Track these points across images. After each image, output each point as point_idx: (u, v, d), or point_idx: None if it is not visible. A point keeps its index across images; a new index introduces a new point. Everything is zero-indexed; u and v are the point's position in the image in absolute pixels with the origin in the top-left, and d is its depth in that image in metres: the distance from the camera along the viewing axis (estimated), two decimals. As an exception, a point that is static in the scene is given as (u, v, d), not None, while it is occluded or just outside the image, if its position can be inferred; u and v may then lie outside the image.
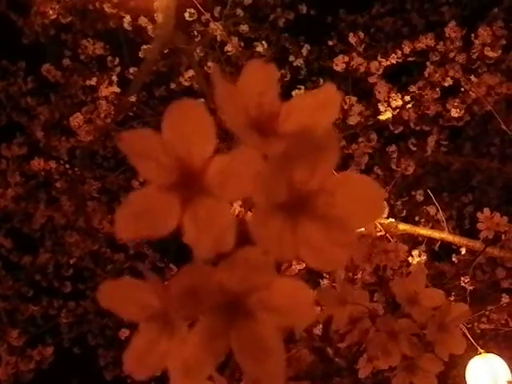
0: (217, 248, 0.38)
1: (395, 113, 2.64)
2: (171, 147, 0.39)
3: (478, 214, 1.91)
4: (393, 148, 3.04)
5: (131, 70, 3.02)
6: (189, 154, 0.39)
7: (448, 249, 2.76)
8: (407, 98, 2.71)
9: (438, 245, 2.63)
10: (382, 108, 2.62)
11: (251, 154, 0.38)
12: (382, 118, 2.61)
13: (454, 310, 0.78)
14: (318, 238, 0.38)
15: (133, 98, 2.79)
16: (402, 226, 2.44)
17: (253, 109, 0.41)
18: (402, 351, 0.77)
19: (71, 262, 3.23)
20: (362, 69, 2.76)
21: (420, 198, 3.14)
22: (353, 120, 2.79)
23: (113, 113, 2.71)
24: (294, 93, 3.07)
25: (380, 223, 2.26)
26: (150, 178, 0.40)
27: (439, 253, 2.86)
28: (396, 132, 3.04)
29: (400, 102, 2.65)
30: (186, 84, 3.18)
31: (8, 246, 3.45)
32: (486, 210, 1.93)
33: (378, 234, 2.25)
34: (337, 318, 0.79)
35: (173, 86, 3.25)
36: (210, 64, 3.17)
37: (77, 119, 2.67)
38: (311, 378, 0.78)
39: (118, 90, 2.81)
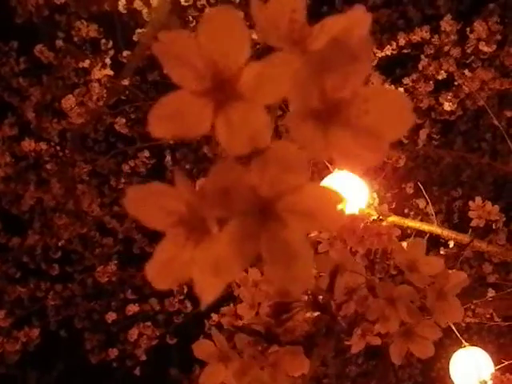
0: (251, 145, 0.38)
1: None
2: (206, 52, 0.40)
3: (470, 203, 1.91)
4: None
5: (125, 53, 3.00)
6: (224, 59, 0.40)
7: (436, 242, 2.77)
8: (401, 90, 2.71)
9: (426, 237, 2.64)
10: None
11: (287, 58, 0.39)
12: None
13: (453, 278, 0.79)
14: (350, 142, 0.38)
15: (126, 82, 2.77)
16: (392, 218, 2.44)
17: (285, 25, 0.42)
18: (401, 317, 0.77)
19: (59, 244, 3.22)
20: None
21: (410, 190, 3.15)
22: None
23: (105, 96, 2.69)
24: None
25: (374, 207, 2.27)
26: (183, 82, 0.40)
27: (427, 246, 2.86)
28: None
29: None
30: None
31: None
32: (478, 199, 1.93)
33: (372, 217, 2.27)
34: (336, 284, 0.79)
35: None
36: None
37: (69, 101, 2.65)
38: (310, 338, 0.78)
39: (111, 72, 2.80)
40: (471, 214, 1.89)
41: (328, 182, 2.22)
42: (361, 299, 0.78)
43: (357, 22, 0.41)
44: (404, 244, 2.36)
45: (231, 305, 0.89)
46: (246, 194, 0.38)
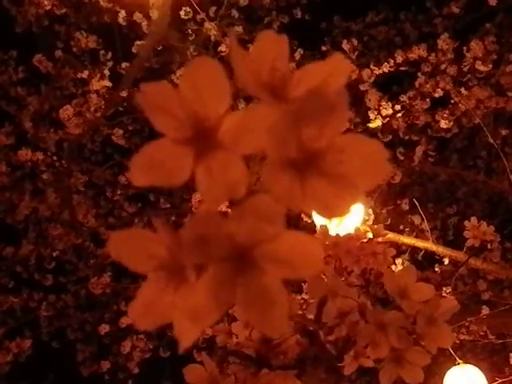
0: (229, 195, 0.39)
1: (385, 121, 2.65)
2: (187, 102, 0.41)
3: (466, 223, 1.92)
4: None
5: (123, 65, 3.01)
6: (204, 109, 0.41)
7: (431, 258, 2.77)
8: (397, 107, 2.72)
9: (421, 254, 2.65)
10: (372, 116, 2.63)
11: (265, 109, 0.40)
12: (371, 125, 2.62)
13: (443, 304, 0.79)
14: (325, 191, 0.39)
15: (124, 93, 2.78)
16: (387, 234, 2.44)
17: (266, 73, 0.42)
18: (391, 343, 0.77)
19: (54, 254, 3.21)
20: (354, 76, 2.78)
21: (405, 207, 3.16)
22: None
23: (103, 107, 2.70)
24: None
25: (369, 227, 2.27)
26: (165, 130, 0.41)
27: (422, 262, 2.88)
28: (385, 140, 3.06)
29: (390, 111, 2.67)
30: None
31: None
32: (473, 219, 1.94)
33: (367, 237, 2.26)
34: (326, 311, 0.79)
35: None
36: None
37: (66, 111, 2.66)
38: (301, 362, 0.78)
39: (109, 84, 2.80)
40: (466, 233, 1.89)
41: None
42: (352, 324, 0.79)
43: (336, 70, 0.42)
44: (399, 261, 2.37)
45: (225, 323, 0.89)
46: (223, 241, 0.39)
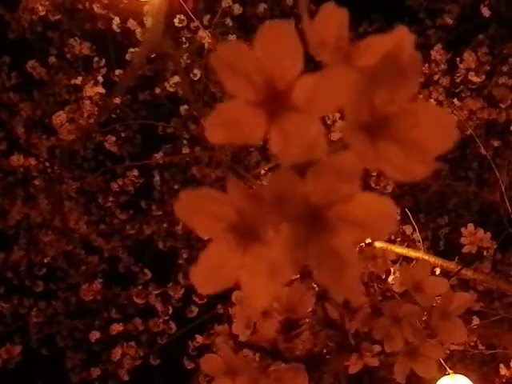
0: (306, 155, 0.39)
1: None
2: (262, 64, 0.41)
3: (462, 229, 1.93)
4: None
5: (117, 72, 3.01)
6: (278, 71, 0.41)
7: (422, 269, 2.77)
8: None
9: (412, 264, 2.65)
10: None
11: (344, 72, 0.40)
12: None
13: (457, 298, 0.79)
14: (398, 155, 0.40)
15: (117, 100, 2.78)
16: (379, 244, 2.45)
17: (333, 41, 0.44)
18: (405, 337, 0.77)
19: (45, 261, 3.20)
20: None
21: (397, 216, 3.16)
22: (335, 136, 2.79)
23: (96, 113, 2.69)
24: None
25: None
26: (237, 92, 0.41)
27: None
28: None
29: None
30: (171, 90, 3.18)
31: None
32: (470, 226, 1.95)
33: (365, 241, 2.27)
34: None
35: (157, 90, 3.24)
36: (195, 71, 3.17)
37: (59, 117, 2.65)
38: (315, 354, 0.78)
39: (102, 90, 2.80)
40: (463, 240, 1.90)
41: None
42: (365, 318, 0.78)
43: (403, 40, 0.42)
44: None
45: (225, 324, 0.89)
46: (299, 201, 0.39)
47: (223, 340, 0.82)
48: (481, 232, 1.90)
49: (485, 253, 2.20)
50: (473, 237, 1.90)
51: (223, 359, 0.75)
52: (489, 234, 1.93)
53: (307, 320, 0.78)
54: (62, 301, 3.54)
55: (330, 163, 0.39)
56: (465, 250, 1.97)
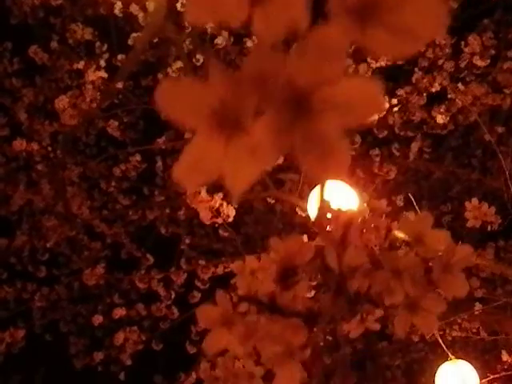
0: (291, 28, 0.37)
1: (381, 115, 2.65)
2: None
3: (466, 204, 1.92)
4: (376, 152, 3.05)
5: (119, 57, 2.99)
6: None
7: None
8: (394, 101, 2.72)
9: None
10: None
11: None
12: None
13: (459, 251, 0.78)
14: (386, 36, 0.38)
15: (119, 85, 2.77)
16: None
17: None
18: (406, 289, 0.76)
19: (47, 245, 3.20)
20: (351, 70, 2.77)
21: (400, 203, 3.15)
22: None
23: (98, 98, 2.68)
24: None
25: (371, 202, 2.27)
26: None
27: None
28: (380, 136, 3.05)
29: (387, 105, 2.66)
30: (174, 75, 3.16)
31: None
32: (474, 200, 1.94)
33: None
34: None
35: (160, 76, 3.23)
36: (198, 57, 3.16)
37: (62, 102, 2.64)
38: (314, 312, 0.77)
39: (105, 75, 2.79)
40: (467, 214, 1.89)
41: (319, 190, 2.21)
42: (365, 271, 0.77)
43: None
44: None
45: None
46: (282, 83, 0.38)
47: (221, 293, 0.80)
48: (485, 206, 1.89)
49: (489, 227, 2.19)
50: (477, 211, 1.89)
51: (220, 310, 0.74)
52: (493, 209, 1.92)
53: (305, 268, 0.76)
54: (64, 286, 3.56)
55: (315, 39, 0.37)
56: (469, 224, 1.95)
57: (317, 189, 2.30)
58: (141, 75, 3.30)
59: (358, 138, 2.99)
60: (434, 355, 3.93)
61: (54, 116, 3.07)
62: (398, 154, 3.09)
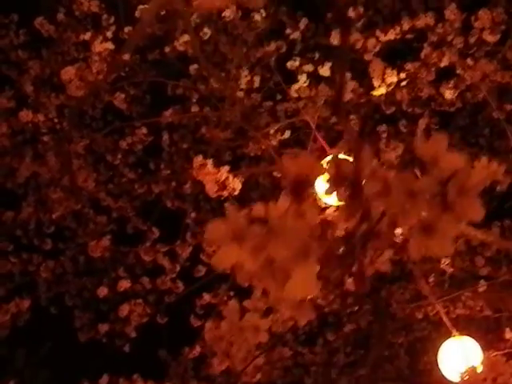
0: None
1: (389, 89, 2.63)
2: None
3: (475, 163, 1.90)
4: (383, 128, 3.03)
5: (126, 29, 2.98)
6: None
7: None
8: (402, 75, 2.69)
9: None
10: (375, 84, 2.60)
11: None
12: (375, 93, 2.59)
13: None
14: None
15: (126, 57, 2.75)
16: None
17: None
18: (420, 211, 0.75)
19: (53, 217, 3.20)
20: (359, 45, 2.74)
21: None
22: (345, 97, 2.76)
23: (105, 70, 2.67)
24: (289, 64, 3.05)
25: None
26: None
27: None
28: (387, 113, 3.03)
29: (395, 79, 2.64)
30: (181, 49, 3.14)
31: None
32: (484, 159, 1.93)
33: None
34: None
35: (167, 49, 3.21)
36: (205, 30, 3.14)
37: (68, 73, 2.63)
38: None
39: (111, 46, 2.77)
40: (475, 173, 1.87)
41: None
42: (381, 193, 0.75)
43: None
44: (398, 231, 2.38)
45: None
46: None
47: (232, 207, 0.79)
48: (494, 164, 1.87)
49: (498, 187, 2.18)
50: (486, 170, 1.87)
51: (231, 225, 0.73)
52: (503, 167, 1.90)
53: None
54: (70, 259, 3.57)
55: None
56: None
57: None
58: (147, 49, 3.28)
59: (365, 114, 2.98)
60: (438, 333, 3.93)
61: (60, 89, 3.06)
62: (405, 130, 3.07)
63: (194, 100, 3.11)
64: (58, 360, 3.86)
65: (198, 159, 2.26)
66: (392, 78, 2.60)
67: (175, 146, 3.20)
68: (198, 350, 2.90)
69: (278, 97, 3.17)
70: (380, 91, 2.58)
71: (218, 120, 3.10)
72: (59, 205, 3.23)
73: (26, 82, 3.24)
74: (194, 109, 3.04)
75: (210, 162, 2.26)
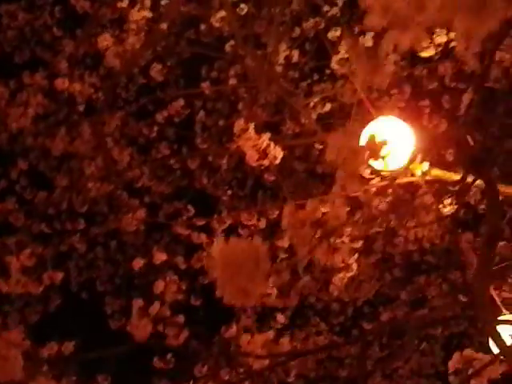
0: None
1: (438, 50, 2.54)
2: None
3: None
4: (426, 103, 2.94)
5: (163, 2, 2.94)
6: None
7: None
8: (452, 34, 2.60)
9: (472, 193, 2.55)
10: (424, 44, 2.51)
11: None
12: (424, 54, 2.51)
13: None
14: None
15: (164, 26, 2.71)
16: (434, 172, 2.35)
17: None
18: None
19: (87, 197, 3.15)
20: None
21: (449, 157, 3.04)
22: (387, 69, 2.68)
23: (142, 39, 2.62)
24: (329, 35, 2.98)
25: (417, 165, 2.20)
26: None
27: (470, 203, 2.79)
28: (430, 87, 2.95)
29: (444, 39, 2.55)
30: (217, 25, 3.09)
31: (23, 183, 3.39)
32: None
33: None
34: None
35: (203, 26, 3.16)
36: (242, 6, 3.09)
37: (105, 40, 2.59)
38: None
39: (149, 14, 2.73)
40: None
41: (373, 126, 2.14)
42: None
43: None
44: (447, 201, 2.26)
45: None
46: None
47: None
48: None
49: None
50: None
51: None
52: None
53: None
54: (102, 245, 3.53)
55: None
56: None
57: (369, 126, 2.21)
58: (184, 25, 3.23)
59: (407, 88, 2.90)
60: (475, 330, 3.80)
61: (95, 66, 3.04)
62: (448, 106, 2.98)
63: (232, 74, 3.06)
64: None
65: (240, 123, 2.19)
66: (441, 38, 2.51)
67: (212, 119, 3.14)
68: (234, 329, 2.81)
69: (318, 70, 3.12)
70: (429, 52, 2.50)
71: (255, 97, 3.04)
72: (93, 183, 3.19)
73: (60, 61, 3.20)
74: (232, 82, 2.99)
75: (251, 126, 2.19)
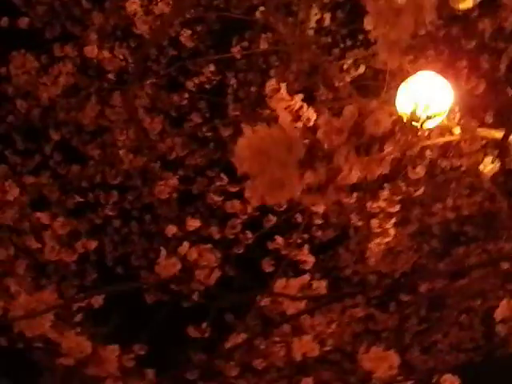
0: None
1: (477, 1, 2.44)
2: None
3: None
4: (464, 63, 2.84)
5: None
6: None
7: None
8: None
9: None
10: (462, -5, 2.42)
11: None
12: (461, 6, 2.42)
13: None
14: None
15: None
16: (474, 130, 2.28)
17: None
18: None
19: (120, 169, 3.14)
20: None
21: (489, 119, 2.95)
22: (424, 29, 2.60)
23: (171, 3, 2.58)
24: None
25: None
26: None
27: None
28: (468, 47, 2.85)
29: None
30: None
31: (57, 157, 3.40)
32: None
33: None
34: None
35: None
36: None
37: (133, 5, 2.55)
38: None
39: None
40: None
41: (414, 80, 2.08)
42: None
43: None
44: (488, 159, 2.19)
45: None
46: None
47: None
48: None
49: None
50: None
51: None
52: None
53: None
54: (136, 220, 3.52)
55: None
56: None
57: (405, 84, 2.15)
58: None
59: (444, 48, 2.80)
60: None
61: (125, 37, 3.02)
62: (487, 66, 2.88)
63: (263, 41, 3.01)
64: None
65: (271, 83, 2.13)
66: (480, -13, 2.41)
67: (243, 88, 3.09)
68: (268, 299, 2.78)
69: (351, 35, 3.05)
70: (467, 3, 2.40)
71: (287, 63, 2.99)
72: (125, 157, 3.18)
73: (90, 35, 3.18)
74: (263, 46, 2.93)
75: (283, 86, 2.13)
